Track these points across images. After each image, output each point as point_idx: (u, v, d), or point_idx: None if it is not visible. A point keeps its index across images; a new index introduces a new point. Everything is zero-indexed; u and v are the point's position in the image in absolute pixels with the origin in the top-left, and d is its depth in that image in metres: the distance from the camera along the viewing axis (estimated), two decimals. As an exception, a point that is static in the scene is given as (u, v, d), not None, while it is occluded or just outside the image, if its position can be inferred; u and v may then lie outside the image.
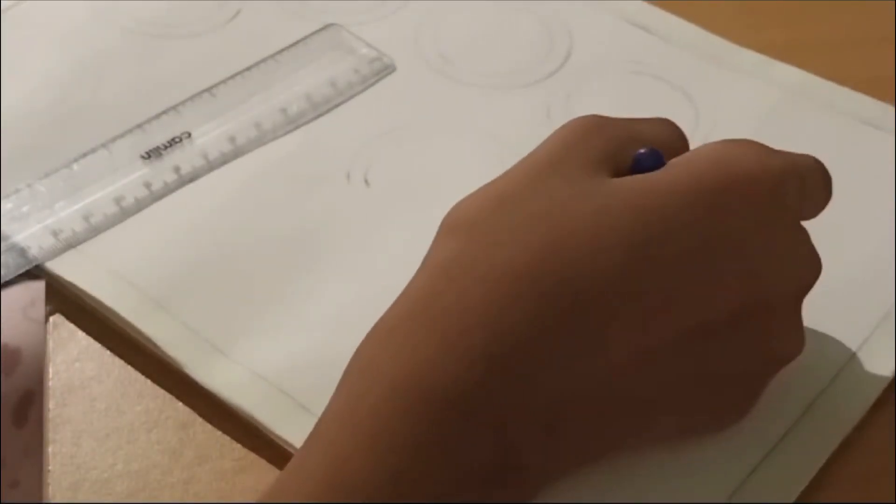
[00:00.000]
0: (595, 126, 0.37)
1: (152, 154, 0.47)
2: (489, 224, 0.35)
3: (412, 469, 0.31)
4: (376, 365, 0.33)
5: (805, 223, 0.37)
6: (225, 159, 0.47)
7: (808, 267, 0.37)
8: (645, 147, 0.36)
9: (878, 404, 0.39)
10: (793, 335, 0.37)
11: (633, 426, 0.35)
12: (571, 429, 0.33)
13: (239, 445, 0.39)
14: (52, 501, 0.38)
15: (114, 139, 0.47)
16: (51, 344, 0.42)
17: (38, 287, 0.42)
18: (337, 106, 0.49)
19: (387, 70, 0.50)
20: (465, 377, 0.32)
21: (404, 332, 0.34)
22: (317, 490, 0.32)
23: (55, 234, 0.44)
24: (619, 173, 0.36)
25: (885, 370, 0.39)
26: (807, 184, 0.37)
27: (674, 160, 0.36)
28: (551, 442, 0.33)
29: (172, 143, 0.47)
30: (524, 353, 0.32)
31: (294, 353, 0.41)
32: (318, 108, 0.49)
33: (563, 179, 0.35)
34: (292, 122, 0.48)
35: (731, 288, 0.34)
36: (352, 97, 0.49)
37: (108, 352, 0.42)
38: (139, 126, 0.48)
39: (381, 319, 0.35)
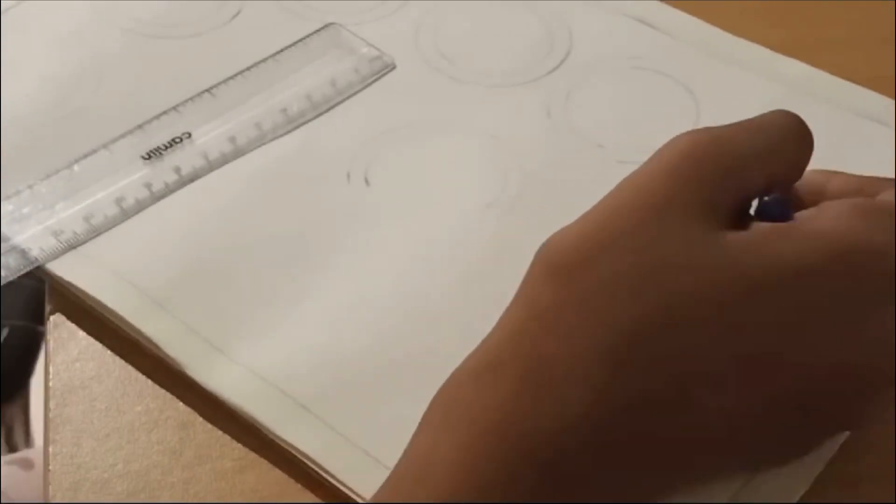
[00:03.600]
0: (702, 153, 0.34)
1: (153, 154, 0.47)
2: (595, 269, 0.32)
3: None
4: (463, 407, 0.32)
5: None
6: (225, 159, 0.47)
7: None
8: (769, 195, 0.35)
9: (878, 404, 0.39)
10: (882, 410, 0.35)
11: (704, 473, 0.34)
12: (679, 467, 0.32)
13: (239, 445, 0.39)
14: (52, 501, 0.38)
15: (114, 140, 0.47)
16: (51, 344, 0.42)
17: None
18: (337, 105, 0.49)
19: (387, 69, 0.50)
20: (561, 436, 0.31)
21: (496, 375, 0.32)
22: None
23: (56, 235, 0.44)
24: (734, 206, 0.34)
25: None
26: None
27: (803, 217, 0.34)
28: (651, 481, 0.32)
29: (173, 143, 0.47)
30: (625, 420, 0.31)
31: (294, 353, 0.41)
32: (319, 108, 0.49)
33: (673, 226, 0.33)
34: (292, 122, 0.48)
35: (828, 354, 0.33)
36: (352, 96, 0.49)
37: (109, 352, 0.42)
38: (139, 126, 0.48)
39: (470, 359, 0.33)
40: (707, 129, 0.35)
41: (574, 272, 0.32)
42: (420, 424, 0.33)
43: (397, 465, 0.32)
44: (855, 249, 0.33)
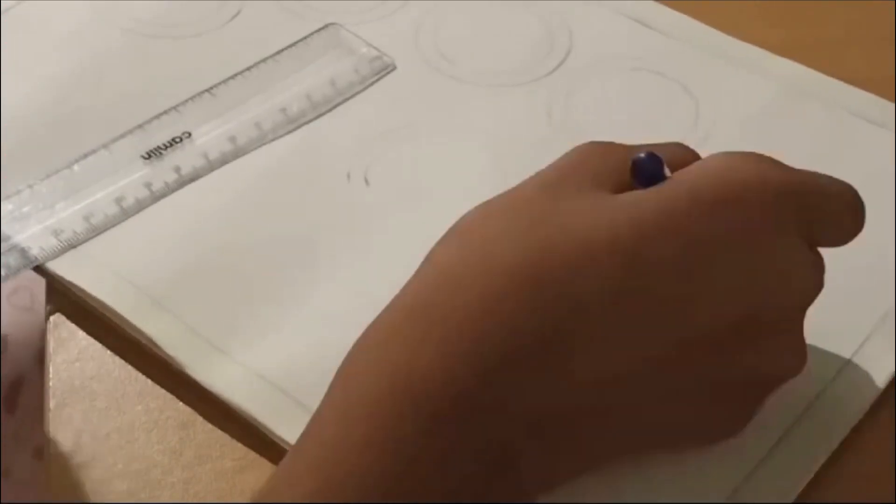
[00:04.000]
0: (600, 149, 0.37)
1: (153, 154, 0.47)
2: (487, 228, 0.35)
3: (405, 471, 0.31)
4: (369, 366, 0.33)
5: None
6: (225, 159, 0.47)
7: (808, 281, 0.36)
8: (643, 152, 0.36)
9: (878, 404, 0.39)
10: (792, 352, 0.36)
11: (627, 436, 0.35)
12: (564, 434, 0.33)
13: (239, 445, 0.39)
14: (52, 501, 0.38)
15: (114, 139, 0.47)
16: (51, 344, 0.42)
17: (29, 276, 0.42)
18: (337, 105, 0.49)
19: (387, 69, 0.50)
20: (452, 381, 0.32)
21: (395, 332, 0.34)
22: (308, 490, 0.32)
23: (56, 234, 0.44)
24: (623, 189, 0.36)
25: (884, 371, 0.39)
26: (820, 204, 0.36)
27: (676, 172, 0.36)
28: (544, 447, 0.33)
29: (173, 143, 0.47)
30: (515, 355, 0.32)
31: (294, 352, 0.41)
32: (319, 108, 0.49)
33: (564, 192, 0.35)
34: (292, 122, 0.48)
35: (728, 299, 0.34)
36: (352, 97, 0.49)
37: (109, 352, 0.42)
38: (139, 126, 0.48)
39: (375, 320, 0.35)
40: (604, 141, 0.38)
41: (470, 233, 0.35)
42: (333, 381, 0.34)
43: (315, 413, 0.34)
44: (726, 181, 0.35)
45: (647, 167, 0.36)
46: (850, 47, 0.51)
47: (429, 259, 0.36)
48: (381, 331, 0.34)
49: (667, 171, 0.36)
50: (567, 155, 0.37)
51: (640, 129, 0.48)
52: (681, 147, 0.38)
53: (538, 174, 0.37)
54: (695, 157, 0.38)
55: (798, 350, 0.37)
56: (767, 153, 0.46)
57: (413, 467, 0.32)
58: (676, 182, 0.35)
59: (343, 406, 0.33)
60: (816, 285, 0.36)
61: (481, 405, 0.32)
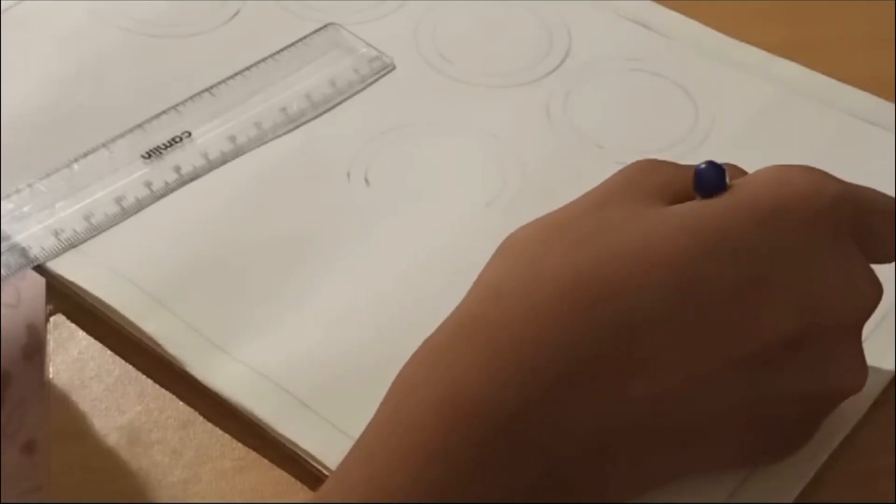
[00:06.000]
0: (650, 165, 0.37)
1: (153, 154, 0.47)
2: (538, 246, 0.34)
3: (455, 488, 0.31)
4: (421, 382, 0.33)
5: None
6: (225, 159, 0.47)
7: (867, 294, 0.35)
8: (705, 162, 0.35)
9: (878, 404, 0.39)
10: (852, 366, 0.35)
11: (683, 455, 0.34)
12: (618, 455, 0.32)
13: (240, 445, 0.39)
14: (52, 501, 0.38)
15: (114, 139, 0.47)
16: (51, 344, 0.42)
17: (23, 275, 0.42)
18: (337, 105, 0.49)
19: (386, 69, 0.50)
20: (508, 400, 0.31)
21: (450, 349, 0.33)
22: (359, 500, 0.31)
23: (56, 233, 0.44)
24: (678, 200, 0.35)
25: (884, 371, 0.39)
26: (872, 218, 0.36)
27: (733, 182, 0.35)
28: (598, 467, 0.32)
29: (173, 142, 0.47)
30: (567, 375, 0.32)
31: (295, 351, 0.41)
32: (318, 108, 0.49)
33: (617, 206, 0.34)
34: (292, 122, 0.48)
35: (785, 313, 0.33)
36: (351, 96, 0.49)
37: (109, 351, 0.42)
38: (139, 126, 0.48)
39: (429, 338, 0.34)
40: (655, 158, 0.37)
41: (521, 251, 0.34)
42: (385, 398, 0.34)
43: (367, 429, 0.33)
44: (783, 192, 0.34)
45: (709, 177, 0.35)
46: (850, 48, 0.51)
47: (479, 278, 0.35)
48: (433, 349, 0.34)
49: (728, 180, 0.35)
50: (618, 172, 0.37)
51: (639, 130, 0.48)
52: (729, 167, 0.37)
53: (588, 193, 0.36)
54: (743, 174, 0.37)
55: (858, 365, 0.35)
56: (767, 154, 0.46)
57: (466, 485, 0.31)
58: (732, 196, 0.34)
59: (392, 421, 0.33)
60: (875, 296, 0.35)
61: (534, 425, 0.31)
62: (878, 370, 0.39)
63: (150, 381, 0.41)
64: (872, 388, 0.39)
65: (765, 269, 0.33)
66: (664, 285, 0.32)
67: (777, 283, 0.33)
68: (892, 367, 0.39)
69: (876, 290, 0.35)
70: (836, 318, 0.34)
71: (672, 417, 0.33)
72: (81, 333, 0.43)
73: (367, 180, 0.46)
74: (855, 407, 0.38)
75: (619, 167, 0.37)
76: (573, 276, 0.32)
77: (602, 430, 0.32)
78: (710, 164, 0.35)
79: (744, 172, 0.37)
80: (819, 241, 0.34)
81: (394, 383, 0.34)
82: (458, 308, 0.34)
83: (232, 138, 0.47)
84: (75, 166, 0.46)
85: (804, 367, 0.34)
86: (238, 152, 0.47)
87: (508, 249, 0.35)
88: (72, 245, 0.44)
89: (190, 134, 0.47)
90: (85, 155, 0.47)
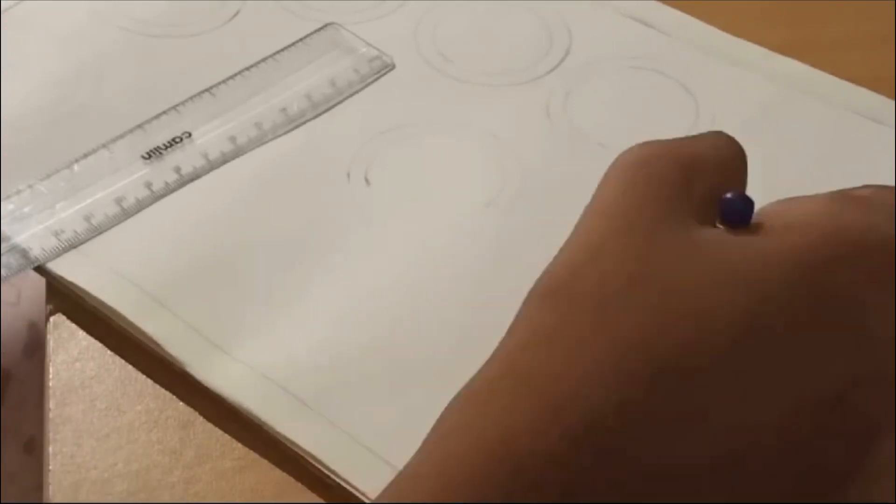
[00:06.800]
0: (653, 158, 0.35)
1: (153, 154, 0.47)
2: (586, 283, 0.32)
3: None
4: (463, 427, 0.31)
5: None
6: (225, 159, 0.47)
7: None
8: (731, 192, 0.34)
9: (878, 402, 0.39)
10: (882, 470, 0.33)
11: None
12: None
13: (240, 445, 0.39)
14: (52, 501, 0.38)
15: (114, 139, 0.47)
16: (51, 344, 0.42)
17: (23, 275, 0.42)
18: (337, 105, 0.49)
19: (386, 69, 0.50)
20: (558, 452, 0.30)
21: (496, 394, 0.31)
22: None
23: (56, 234, 0.44)
24: (698, 209, 0.34)
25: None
26: None
27: (767, 211, 0.34)
28: None
29: (173, 143, 0.47)
30: (624, 434, 0.30)
31: (295, 351, 0.41)
32: (318, 108, 0.49)
33: (649, 230, 0.33)
34: (292, 122, 0.48)
35: (841, 363, 0.32)
36: (351, 96, 0.49)
37: (109, 351, 0.42)
38: (139, 126, 0.48)
39: (473, 381, 0.32)
40: (652, 140, 0.35)
41: (571, 293, 0.32)
42: (424, 442, 0.32)
43: (403, 472, 0.32)
44: (849, 235, 0.32)
45: (737, 209, 0.34)
46: (851, 47, 0.51)
47: (525, 320, 0.33)
48: (478, 393, 0.32)
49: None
50: (621, 174, 0.35)
51: (639, 129, 0.48)
52: (727, 141, 0.36)
53: (603, 205, 0.34)
54: (740, 151, 0.36)
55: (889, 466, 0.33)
56: (768, 152, 0.47)
57: None
58: (787, 237, 0.33)
59: (431, 469, 0.31)
60: None
61: (585, 487, 0.30)
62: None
63: (150, 381, 0.41)
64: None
65: (821, 323, 0.32)
66: (724, 344, 0.31)
67: (834, 334, 0.32)
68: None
69: None
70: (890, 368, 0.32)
71: (722, 469, 0.31)
72: (81, 333, 0.43)
73: (367, 180, 0.46)
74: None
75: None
76: (637, 333, 0.31)
77: (659, 487, 0.31)
78: (740, 196, 0.34)
79: (741, 156, 0.36)
80: (878, 290, 0.32)
81: (436, 427, 0.32)
82: (502, 352, 0.33)
83: (232, 138, 0.47)
84: (75, 167, 0.46)
85: (857, 416, 0.32)
86: (238, 152, 0.47)
87: (551, 290, 0.33)
88: (72, 246, 0.44)
89: (190, 134, 0.47)
90: (85, 155, 0.47)
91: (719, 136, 0.37)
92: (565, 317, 0.32)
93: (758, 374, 0.31)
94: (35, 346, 0.40)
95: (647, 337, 0.31)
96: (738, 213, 0.34)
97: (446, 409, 0.32)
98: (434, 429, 0.32)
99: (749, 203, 0.34)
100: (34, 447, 0.38)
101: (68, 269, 0.43)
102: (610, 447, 0.31)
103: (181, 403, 0.41)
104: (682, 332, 0.31)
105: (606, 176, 0.35)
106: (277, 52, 0.50)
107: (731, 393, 0.31)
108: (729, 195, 0.34)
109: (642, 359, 0.31)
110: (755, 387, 0.31)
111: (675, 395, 0.31)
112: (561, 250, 0.34)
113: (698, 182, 0.34)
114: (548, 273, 0.34)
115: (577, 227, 0.34)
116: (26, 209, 0.45)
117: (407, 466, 0.32)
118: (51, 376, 0.41)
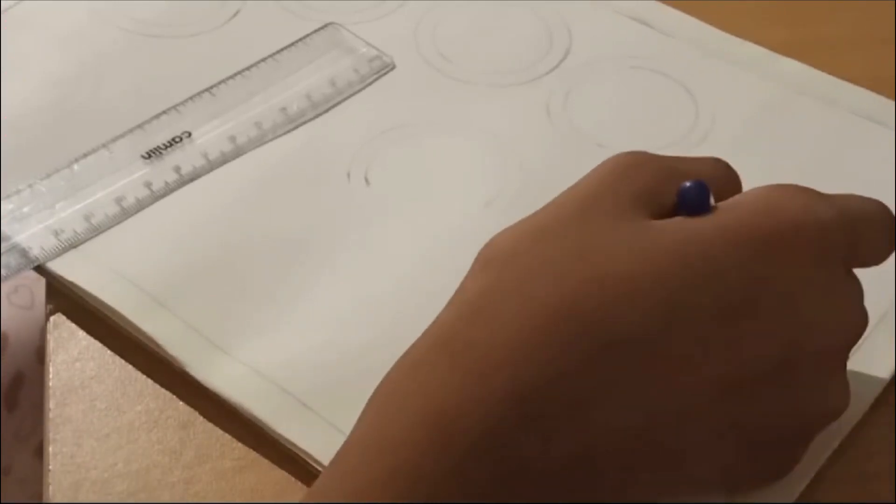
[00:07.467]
0: (637, 162, 0.36)
1: (153, 154, 0.47)
2: (523, 258, 0.34)
3: None
4: (400, 397, 0.33)
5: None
6: (225, 159, 0.47)
7: (852, 323, 0.35)
8: (690, 180, 0.35)
9: (878, 404, 0.39)
10: (836, 390, 0.35)
11: (667, 479, 0.34)
12: (601, 477, 0.32)
13: (240, 445, 0.39)
14: (52, 501, 0.38)
15: (114, 139, 0.47)
16: (51, 344, 0.42)
17: (30, 275, 0.42)
18: (337, 105, 0.49)
19: (386, 69, 0.50)
20: (488, 418, 0.31)
21: (430, 365, 0.33)
22: None
23: (56, 234, 0.44)
24: (662, 212, 0.35)
25: (884, 370, 0.39)
26: (861, 230, 0.35)
27: (721, 203, 0.35)
28: (579, 490, 0.32)
29: (173, 142, 0.47)
30: (551, 396, 0.31)
31: (295, 351, 0.41)
32: (318, 108, 0.49)
33: (601, 217, 0.34)
34: (292, 122, 0.48)
35: (773, 339, 0.33)
36: (351, 96, 0.49)
37: (109, 351, 0.42)
38: (139, 126, 0.48)
39: (408, 351, 0.34)
40: (640, 151, 0.37)
41: (505, 262, 0.34)
42: (364, 410, 0.34)
43: (346, 442, 0.33)
44: (776, 219, 0.33)
45: (693, 197, 0.35)
46: (851, 47, 0.51)
47: (462, 290, 0.34)
48: (414, 364, 0.33)
49: (712, 200, 0.35)
50: (601, 169, 0.36)
51: (639, 129, 0.48)
52: (718, 165, 0.37)
53: (571, 192, 0.36)
54: (734, 177, 0.37)
55: (842, 389, 0.35)
56: (767, 152, 0.47)
57: (438, 502, 0.31)
58: (719, 219, 0.34)
59: (370, 436, 0.32)
60: (860, 326, 0.35)
61: (518, 449, 0.31)
62: (877, 370, 0.39)
63: (150, 381, 0.41)
64: (872, 389, 0.39)
65: (750, 297, 0.33)
66: (652, 312, 0.32)
67: (762, 311, 0.33)
68: (892, 367, 0.39)
69: (861, 320, 0.35)
70: (820, 346, 0.34)
71: (658, 440, 0.32)
72: (81, 333, 0.43)
73: (367, 180, 0.46)
74: (855, 407, 0.38)
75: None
76: (560, 298, 0.32)
77: (583, 453, 0.32)
78: (696, 184, 0.35)
79: (735, 182, 0.37)
80: (806, 270, 0.34)
81: (374, 394, 0.34)
82: (438, 320, 0.34)
83: (232, 138, 0.47)
84: (75, 166, 0.46)
85: (788, 393, 0.34)
86: (238, 152, 0.47)
87: (489, 259, 0.34)
88: (72, 245, 0.44)
89: (190, 134, 0.47)
90: (85, 155, 0.47)
91: (717, 161, 0.38)
92: (493, 284, 0.33)
93: (688, 346, 0.32)
94: (44, 351, 0.40)
95: (572, 303, 0.32)
96: (694, 200, 0.35)
97: (385, 376, 0.34)
98: (373, 395, 0.34)
99: (704, 189, 0.35)
100: (42, 452, 0.39)
101: (68, 268, 0.43)
102: (537, 413, 0.31)
103: (181, 403, 0.41)
104: (607, 297, 0.32)
105: (590, 171, 0.36)
106: (277, 51, 0.50)
107: (659, 363, 0.32)
108: (686, 184, 0.35)
109: (566, 324, 0.32)
110: (684, 359, 0.32)
111: (598, 359, 0.32)
112: (520, 220, 0.35)
113: (668, 186, 0.35)
114: (493, 241, 0.35)
115: (546, 204, 0.36)
116: (26, 209, 0.45)
117: (352, 431, 0.33)
118: (51, 376, 0.41)
